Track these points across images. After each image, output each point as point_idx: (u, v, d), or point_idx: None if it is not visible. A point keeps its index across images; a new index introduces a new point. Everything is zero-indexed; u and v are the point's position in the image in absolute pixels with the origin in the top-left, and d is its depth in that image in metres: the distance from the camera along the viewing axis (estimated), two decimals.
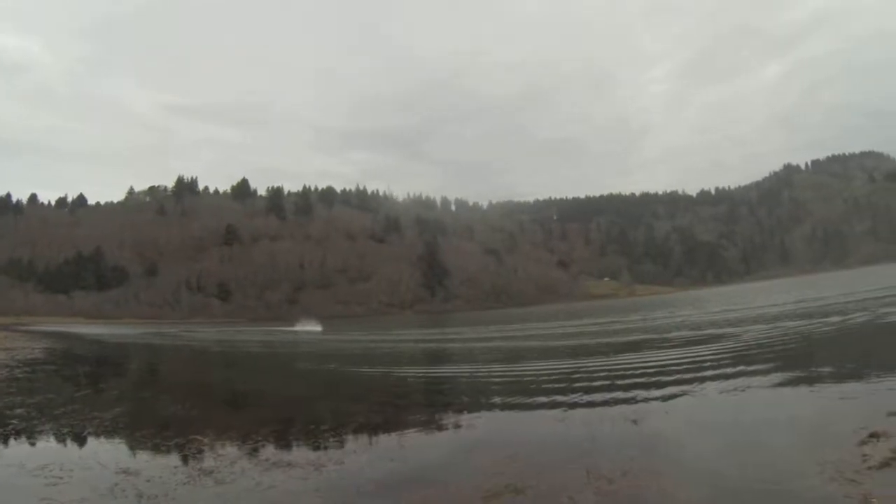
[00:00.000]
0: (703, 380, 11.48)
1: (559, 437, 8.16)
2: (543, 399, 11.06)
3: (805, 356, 13.60)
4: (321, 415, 11.21)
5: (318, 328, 57.84)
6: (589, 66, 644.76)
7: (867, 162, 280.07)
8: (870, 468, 5.62)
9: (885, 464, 5.68)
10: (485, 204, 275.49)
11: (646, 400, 10.11)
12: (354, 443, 8.65)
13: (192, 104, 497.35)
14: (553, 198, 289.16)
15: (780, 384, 10.33)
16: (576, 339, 25.03)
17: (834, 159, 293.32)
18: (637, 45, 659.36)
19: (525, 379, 14.10)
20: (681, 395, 10.30)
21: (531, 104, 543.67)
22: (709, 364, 13.39)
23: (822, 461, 5.93)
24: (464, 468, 7.11)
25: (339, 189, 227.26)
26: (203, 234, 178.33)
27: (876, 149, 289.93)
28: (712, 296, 78.96)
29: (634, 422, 8.55)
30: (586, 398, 10.76)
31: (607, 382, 12.26)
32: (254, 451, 8.30)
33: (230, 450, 8.41)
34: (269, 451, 8.30)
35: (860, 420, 7.23)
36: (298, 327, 61.74)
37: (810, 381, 10.29)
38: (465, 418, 10.04)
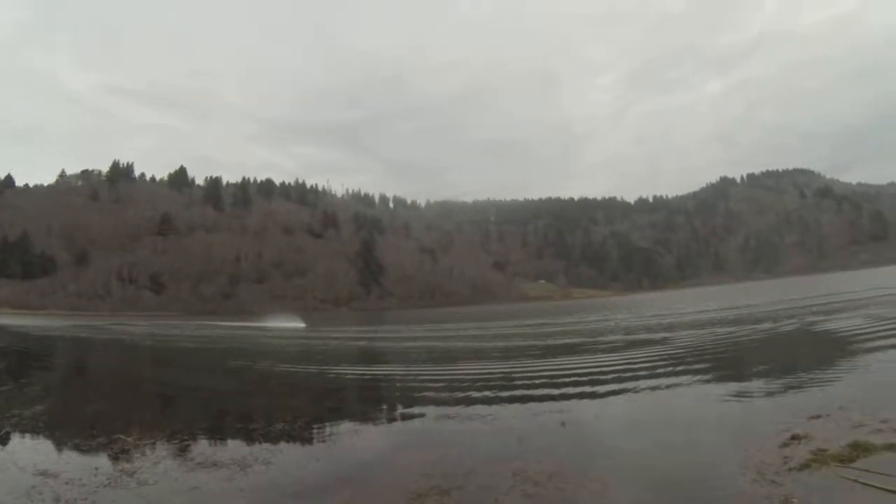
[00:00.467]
0: (635, 382, 11.72)
1: (489, 438, 8.19)
2: (475, 400, 11.07)
3: (735, 361, 14.10)
4: (251, 414, 10.97)
5: (301, 324, 54.20)
6: (535, 69, 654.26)
7: (799, 179, 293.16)
8: (790, 469, 5.84)
9: (805, 465, 5.92)
10: (423, 202, 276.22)
11: (577, 402, 10.26)
12: (283, 443, 8.48)
13: (132, 87, 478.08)
14: (492, 199, 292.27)
15: (710, 388, 10.67)
16: (509, 341, 25.20)
17: (768, 175, 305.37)
18: (584, 53, 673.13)
19: (457, 380, 14.05)
20: (612, 397, 10.52)
21: (475, 104, 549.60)
22: (641, 368, 13.68)
23: (746, 463, 6.13)
24: (392, 469, 7.06)
25: (278, 182, 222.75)
26: (137, 223, 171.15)
27: (807, 167, 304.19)
28: (647, 301, 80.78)
29: (563, 424, 8.63)
30: (517, 400, 10.83)
31: (539, 384, 12.40)
32: (179, 451, 8.05)
33: (155, 450, 8.12)
34: (195, 451, 8.06)
35: (783, 423, 7.53)
36: (273, 323, 57.04)
37: (739, 385, 10.64)
38: (397, 418, 9.99)
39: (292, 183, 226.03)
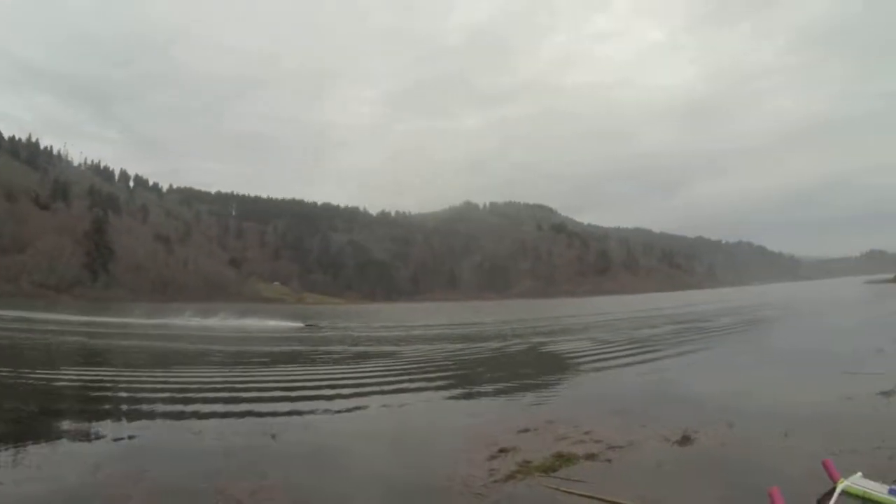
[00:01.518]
0: (356, 394, 11.77)
1: (194, 451, 7.55)
2: (184, 410, 10.29)
3: (459, 377, 14.65)
4: None
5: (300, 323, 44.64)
6: (307, 70, 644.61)
7: (538, 213, 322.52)
8: (496, 481, 6.04)
9: (510, 477, 6.17)
10: (165, 187, 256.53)
11: (289, 413, 9.95)
12: None
13: None
14: (235, 192, 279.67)
15: (430, 403, 10.96)
16: (237, 345, 24.18)
17: (510, 205, 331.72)
18: (358, 65, 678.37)
19: (170, 386, 13.06)
20: (321, 408, 10.35)
21: (238, 93, 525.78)
22: (366, 381, 13.83)
23: (453, 476, 6.25)
24: (87, 489, 6.15)
25: (7, 136, 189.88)
26: None
27: (546, 204, 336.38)
28: (380, 311, 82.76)
29: (273, 436, 8.26)
30: (230, 410, 10.21)
31: (255, 394, 11.99)
32: None
33: None
34: None
35: (494, 437, 7.86)
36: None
37: (457, 401, 11.11)
38: (96, 431, 8.85)
39: (23, 140, 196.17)
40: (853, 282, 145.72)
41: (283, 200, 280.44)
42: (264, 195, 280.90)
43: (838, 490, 4.77)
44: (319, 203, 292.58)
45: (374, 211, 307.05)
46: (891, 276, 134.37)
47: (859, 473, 5.00)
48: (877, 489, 4.69)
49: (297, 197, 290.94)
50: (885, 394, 9.78)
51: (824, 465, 5.41)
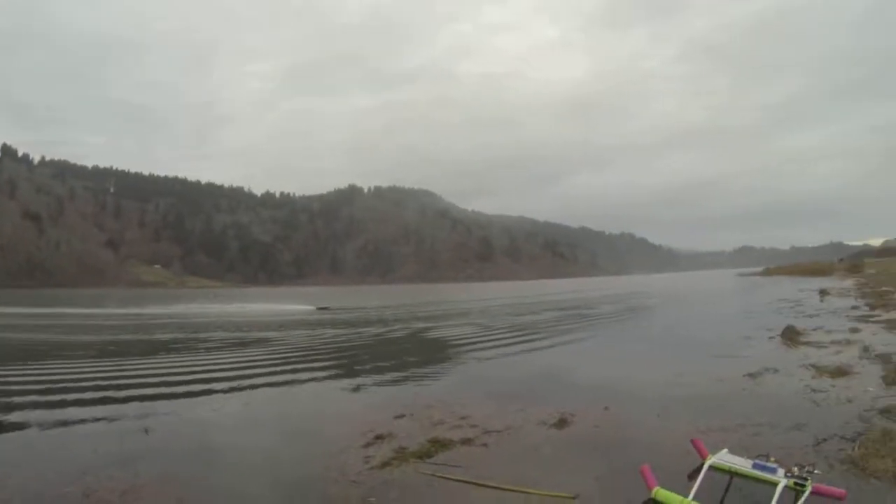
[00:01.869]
0: (236, 384, 11.28)
1: (64, 452, 6.93)
2: (56, 403, 9.56)
3: (339, 362, 14.43)
4: None
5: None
6: (191, 38, 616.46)
7: (423, 198, 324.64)
8: (371, 469, 5.89)
9: (385, 464, 6.03)
10: (36, 158, 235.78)
11: (166, 404, 9.39)
12: None
13: None
14: (114, 168, 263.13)
15: (309, 391, 10.68)
16: (109, 334, 22.82)
17: (394, 189, 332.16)
18: (246, 37, 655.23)
19: (37, 380, 12.14)
20: (198, 398, 9.89)
21: (117, 55, 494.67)
22: (237, 368, 13.39)
23: (329, 465, 6.04)
24: None
25: None
26: None
27: (432, 189, 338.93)
28: (263, 295, 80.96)
29: (146, 431, 7.75)
30: (100, 405, 9.49)
31: (124, 386, 11.24)
32: None
33: None
34: None
35: (371, 424, 7.69)
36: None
37: (337, 386, 10.87)
38: None
39: None
40: (726, 274, 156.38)
41: (165, 178, 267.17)
42: (145, 172, 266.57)
43: (706, 466, 4.96)
44: (203, 182, 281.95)
45: (258, 191, 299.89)
46: (759, 269, 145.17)
47: (725, 450, 5.23)
48: (741, 464, 4.92)
49: (181, 175, 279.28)
50: (751, 376, 10.42)
51: (693, 443, 5.62)
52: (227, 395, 10.20)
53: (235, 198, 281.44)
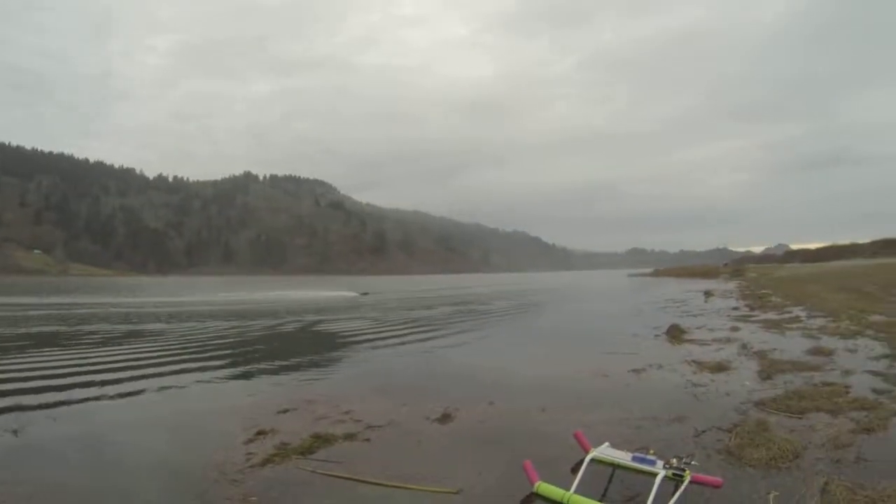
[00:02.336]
0: (117, 379, 10.77)
1: None
2: None
3: (226, 355, 13.95)
4: None
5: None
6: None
7: (318, 188, 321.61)
8: (252, 466, 5.74)
9: (267, 461, 5.89)
10: None
11: (32, 407, 8.80)
12: None
13: None
14: None
15: (185, 385, 10.24)
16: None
17: (290, 179, 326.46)
18: (148, 4, 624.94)
19: None
20: (83, 398, 9.33)
21: (5, 11, 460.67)
22: (121, 363, 12.78)
23: (209, 463, 5.84)
24: None
25: None
26: None
27: (327, 180, 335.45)
28: (153, 285, 77.93)
29: (16, 432, 7.25)
30: None
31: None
32: None
33: None
34: None
35: (254, 419, 7.51)
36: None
37: (222, 380, 10.51)
38: None
39: None
40: (618, 274, 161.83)
41: (50, 154, 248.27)
42: (27, 146, 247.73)
43: (587, 459, 5.16)
44: (92, 160, 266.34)
45: (151, 174, 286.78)
46: (649, 270, 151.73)
47: (607, 444, 5.49)
48: (622, 457, 5.16)
49: (67, 151, 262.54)
50: (636, 371, 10.82)
51: (576, 436, 5.86)
52: (110, 392, 9.64)
53: (126, 180, 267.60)
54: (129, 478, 5.64)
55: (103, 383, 10.32)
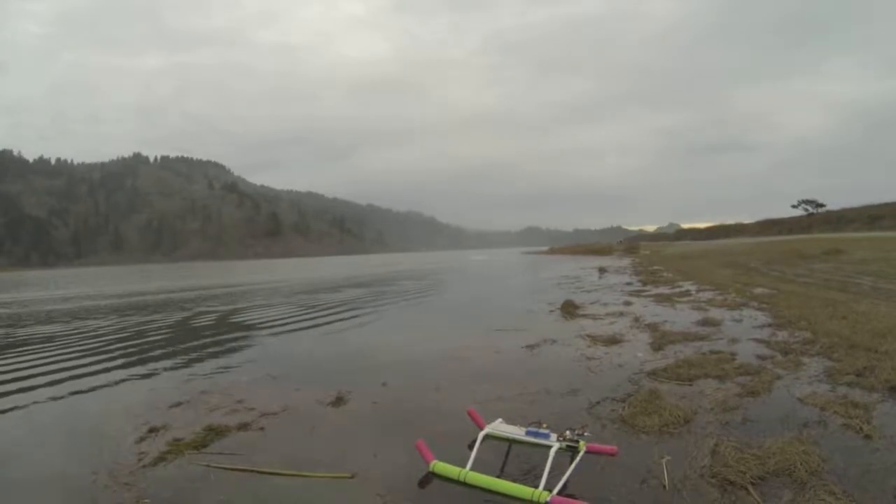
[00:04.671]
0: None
1: None
2: None
3: (132, 354, 13.25)
4: None
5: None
6: None
7: (211, 170, 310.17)
8: (144, 466, 5.56)
9: (160, 459, 5.72)
10: None
11: None
12: None
13: None
14: None
15: (81, 388, 9.72)
16: None
17: (182, 160, 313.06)
18: None
19: None
20: None
21: None
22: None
23: (99, 466, 5.61)
24: None
25: None
26: None
27: (220, 161, 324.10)
28: (36, 280, 73.21)
29: None
30: None
31: None
32: None
33: None
34: None
35: (144, 415, 7.31)
36: None
37: (118, 381, 9.95)
38: None
39: None
40: (512, 252, 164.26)
41: None
42: None
43: (481, 436, 5.31)
44: None
45: (30, 156, 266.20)
46: (544, 248, 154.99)
47: (500, 419, 5.67)
48: (515, 432, 5.34)
49: None
50: (530, 347, 11.07)
51: (469, 413, 6.00)
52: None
53: (2, 163, 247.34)
54: (9, 493, 5.34)
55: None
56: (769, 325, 12.03)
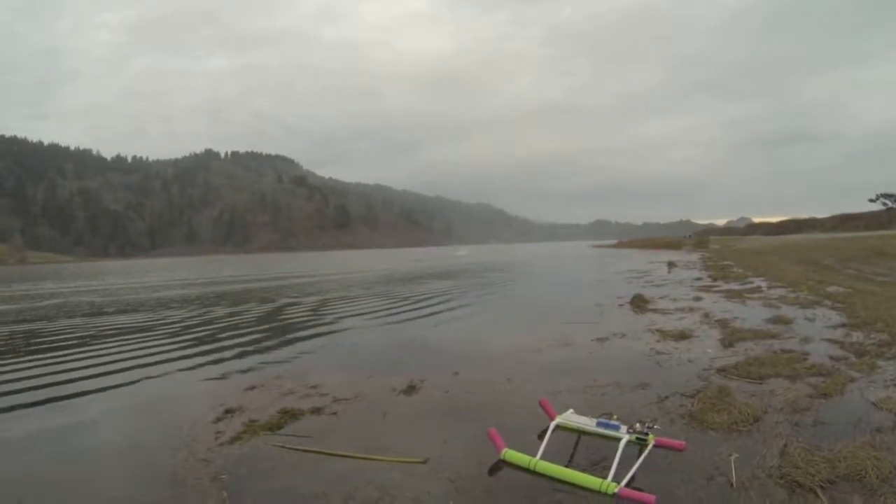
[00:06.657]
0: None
1: None
2: None
3: (193, 338, 13.75)
4: None
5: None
6: None
7: (279, 165, 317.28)
8: (221, 445, 5.72)
9: (236, 438, 5.88)
10: None
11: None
12: None
13: None
14: None
15: (184, 374, 10.03)
16: None
17: (251, 156, 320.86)
18: None
19: None
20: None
21: None
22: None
23: (178, 444, 5.79)
24: None
25: None
26: None
27: (289, 156, 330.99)
28: (119, 269, 76.35)
29: None
30: None
31: None
32: None
33: None
34: None
35: (222, 397, 7.52)
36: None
37: (206, 368, 10.22)
38: None
39: None
40: (581, 246, 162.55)
41: (2, 138, 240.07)
42: None
43: (552, 426, 5.29)
44: (46, 143, 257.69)
45: (108, 155, 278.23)
46: (613, 241, 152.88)
47: (571, 410, 5.62)
48: (586, 423, 5.33)
49: (20, 135, 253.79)
50: (599, 340, 10.94)
51: (541, 404, 5.95)
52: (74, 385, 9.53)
53: (82, 161, 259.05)
54: (98, 465, 5.58)
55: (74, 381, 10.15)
56: (843, 326, 11.39)
